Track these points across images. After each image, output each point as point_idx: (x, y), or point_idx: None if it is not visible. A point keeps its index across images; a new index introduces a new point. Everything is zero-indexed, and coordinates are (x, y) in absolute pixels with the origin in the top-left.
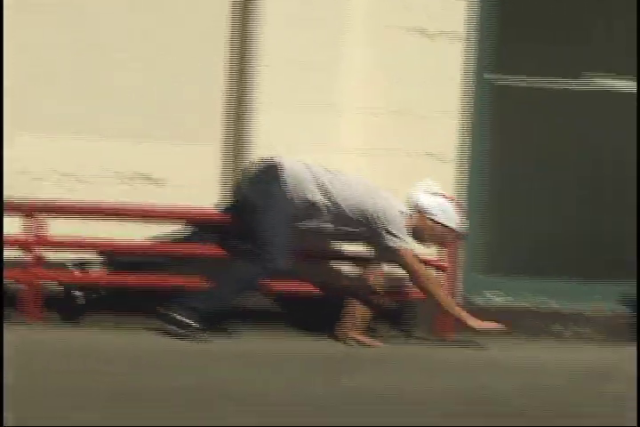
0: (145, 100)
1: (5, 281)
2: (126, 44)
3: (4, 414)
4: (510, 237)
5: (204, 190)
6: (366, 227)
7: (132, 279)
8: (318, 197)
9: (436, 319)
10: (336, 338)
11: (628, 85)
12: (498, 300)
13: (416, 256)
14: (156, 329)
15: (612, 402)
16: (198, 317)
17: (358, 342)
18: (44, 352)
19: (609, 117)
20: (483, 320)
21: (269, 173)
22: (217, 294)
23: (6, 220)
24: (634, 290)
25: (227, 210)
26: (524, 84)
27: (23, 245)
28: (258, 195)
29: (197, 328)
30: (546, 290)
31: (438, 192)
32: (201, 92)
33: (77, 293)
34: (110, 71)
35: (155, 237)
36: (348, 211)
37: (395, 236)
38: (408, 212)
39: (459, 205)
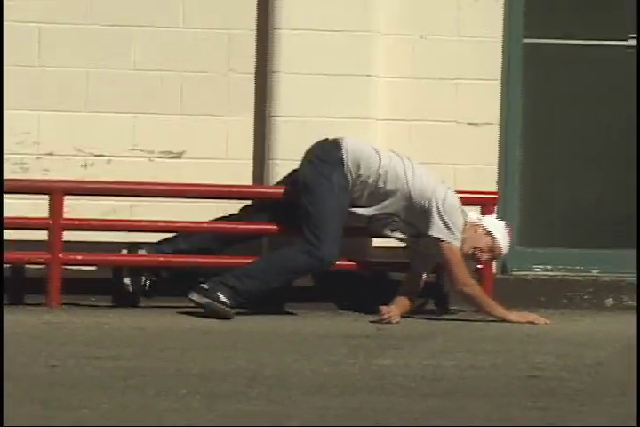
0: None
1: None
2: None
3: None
4: (550, 207)
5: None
6: (422, 215)
7: (178, 261)
8: (378, 182)
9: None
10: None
11: None
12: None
13: (459, 255)
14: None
15: None
16: (236, 296)
17: (388, 318)
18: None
19: None
20: (524, 315)
21: (331, 155)
22: (260, 276)
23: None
24: None
25: (287, 190)
26: (563, 47)
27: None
28: (317, 178)
29: (232, 307)
30: (589, 259)
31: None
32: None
33: (127, 280)
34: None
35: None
36: (408, 196)
37: (447, 227)
38: (466, 211)
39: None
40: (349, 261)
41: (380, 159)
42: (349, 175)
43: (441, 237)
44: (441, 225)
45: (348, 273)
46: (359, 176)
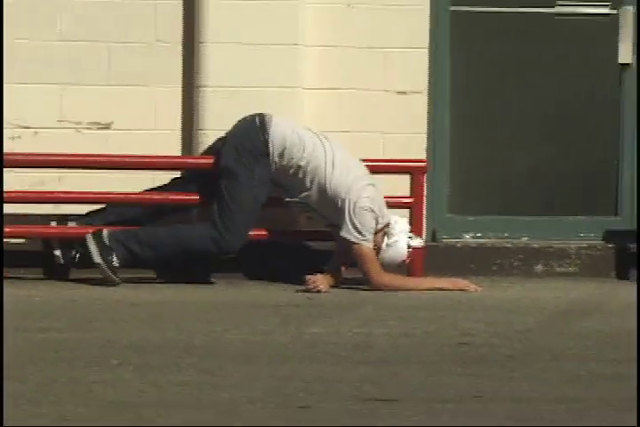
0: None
1: None
2: None
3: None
4: (479, 175)
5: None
6: (335, 212)
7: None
8: (298, 173)
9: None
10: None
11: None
12: (470, 239)
13: (370, 254)
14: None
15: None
16: (130, 260)
17: (314, 286)
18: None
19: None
20: (455, 280)
21: (256, 145)
22: (160, 249)
23: None
24: (609, 224)
25: (215, 160)
26: (491, 15)
27: None
28: (239, 167)
29: (119, 269)
30: (518, 226)
31: (412, 241)
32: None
33: (57, 252)
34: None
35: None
36: (324, 190)
37: (357, 230)
38: (380, 214)
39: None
40: (275, 230)
41: (303, 150)
42: (273, 165)
43: (351, 238)
44: (350, 227)
45: (274, 243)
46: (282, 166)
